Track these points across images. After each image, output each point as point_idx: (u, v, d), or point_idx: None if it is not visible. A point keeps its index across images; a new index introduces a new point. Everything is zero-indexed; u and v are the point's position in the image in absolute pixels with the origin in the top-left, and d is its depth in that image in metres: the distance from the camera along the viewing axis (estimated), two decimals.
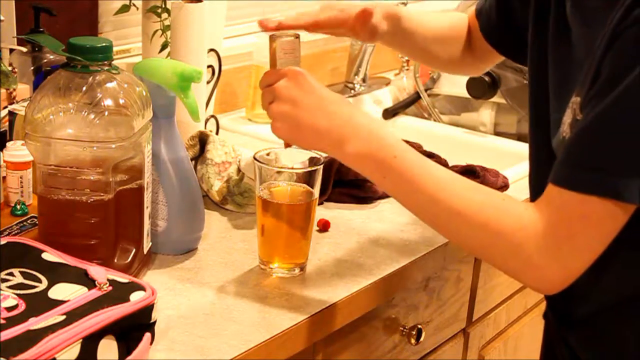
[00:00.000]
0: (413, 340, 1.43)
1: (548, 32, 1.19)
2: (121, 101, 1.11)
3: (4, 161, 1.32)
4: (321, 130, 1.11)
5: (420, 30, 1.40)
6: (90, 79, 1.11)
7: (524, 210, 1.05)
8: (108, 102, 1.10)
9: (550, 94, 1.17)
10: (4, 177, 1.32)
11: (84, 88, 1.10)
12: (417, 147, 1.60)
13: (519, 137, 1.99)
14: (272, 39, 1.19)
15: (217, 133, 1.71)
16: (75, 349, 0.92)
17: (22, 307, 0.95)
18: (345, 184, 1.52)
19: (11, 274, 1.01)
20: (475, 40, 1.44)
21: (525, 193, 1.28)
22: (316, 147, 1.14)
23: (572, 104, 1.07)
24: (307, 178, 1.24)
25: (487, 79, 1.96)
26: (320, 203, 1.48)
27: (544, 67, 1.19)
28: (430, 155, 1.60)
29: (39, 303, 0.97)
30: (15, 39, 1.51)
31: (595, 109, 0.99)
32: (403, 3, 2.05)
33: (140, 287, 1.03)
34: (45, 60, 1.55)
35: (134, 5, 1.65)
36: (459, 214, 1.06)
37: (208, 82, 1.67)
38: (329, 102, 1.12)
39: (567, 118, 1.07)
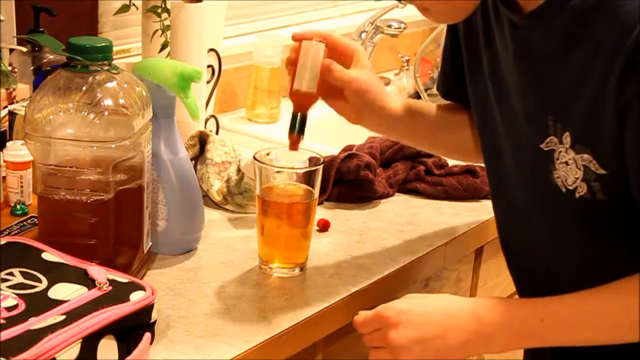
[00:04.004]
0: None
1: (483, 70, 1.20)
2: (121, 101, 1.11)
3: (4, 161, 1.32)
4: (462, 344, 1.09)
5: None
6: (90, 79, 1.11)
7: None
8: (108, 102, 1.10)
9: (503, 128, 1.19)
10: (4, 177, 1.32)
11: (84, 88, 1.10)
12: None
13: None
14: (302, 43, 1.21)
15: (217, 133, 1.71)
16: (75, 349, 0.92)
17: (22, 307, 0.95)
18: (345, 183, 1.52)
19: (11, 274, 1.01)
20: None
21: None
22: (464, 358, 1.13)
23: (567, 154, 1.07)
24: (307, 178, 1.24)
25: None
26: (320, 203, 1.48)
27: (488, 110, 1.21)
28: (430, 156, 1.60)
29: (39, 303, 0.97)
30: (15, 39, 1.51)
31: None
32: (402, 3, 2.04)
33: (140, 287, 1.03)
34: (45, 60, 1.55)
35: (134, 5, 1.65)
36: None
37: (208, 82, 1.67)
38: (446, 317, 1.09)
39: (570, 173, 1.07)
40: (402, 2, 1.20)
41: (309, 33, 1.22)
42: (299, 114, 1.20)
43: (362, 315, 1.14)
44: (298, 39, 1.22)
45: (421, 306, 1.11)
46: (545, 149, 1.09)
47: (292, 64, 1.22)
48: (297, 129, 1.20)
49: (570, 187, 1.07)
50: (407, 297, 1.14)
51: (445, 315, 1.10)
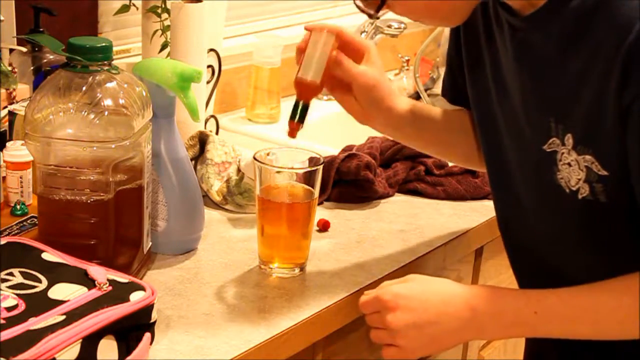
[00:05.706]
0: None
1: (485, 69, 1.20)
2: (121, 101, 1.11)
3: (4, 161, 1.32)
4: (456, 331, 1.11)
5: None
6: (90, 79, 1.11)
7: None
8: (108, 102, 1.10)
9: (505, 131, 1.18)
10: (4, 177, 1.32)
11: (84, 88, 1.10)
12: None
13: None
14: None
15: (217, 133, 1.71)
16: (75, 349, 0.92)
17: (22, 307, 0.95)
18: (345, 183, 1.52)
19: (11, 274, 1.01)
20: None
21: None
22: (458, 344, 1.15)
23: (569, 156, 1.07)
24: (307, 178, 1.24)
25: None
26: (320, 203, 1.48)
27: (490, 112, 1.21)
28: (430, 156, 1.60)
29: (39, 303, 0.97)
30: (15, 39, 1.51)
31: None
32: (377, 17, 2.03)
33: (140, 287, 1.03)
34: (45, 60, 1.55)
35: (134, 5, 1.65)
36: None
37: (208, 82, 1.67)
38: (442, 304, 1.11)
39: (573, 174, 1.07)
40: (375, 17, 1.20)
41: (322, 26, 1.22)
42: (301, 103, 1.19)
43: (366, 296, 1.16)
44: (309, 29, 1.22)
45: (419, 292, 1.13)
46: (548, 150, 1.09)
47: (301, 53, 1.22)
48: (298, 116, 1.19)
49: (573, 188, 1.08)
50: (408, 279, 1.15)
51: (441, 302, 1.12)
